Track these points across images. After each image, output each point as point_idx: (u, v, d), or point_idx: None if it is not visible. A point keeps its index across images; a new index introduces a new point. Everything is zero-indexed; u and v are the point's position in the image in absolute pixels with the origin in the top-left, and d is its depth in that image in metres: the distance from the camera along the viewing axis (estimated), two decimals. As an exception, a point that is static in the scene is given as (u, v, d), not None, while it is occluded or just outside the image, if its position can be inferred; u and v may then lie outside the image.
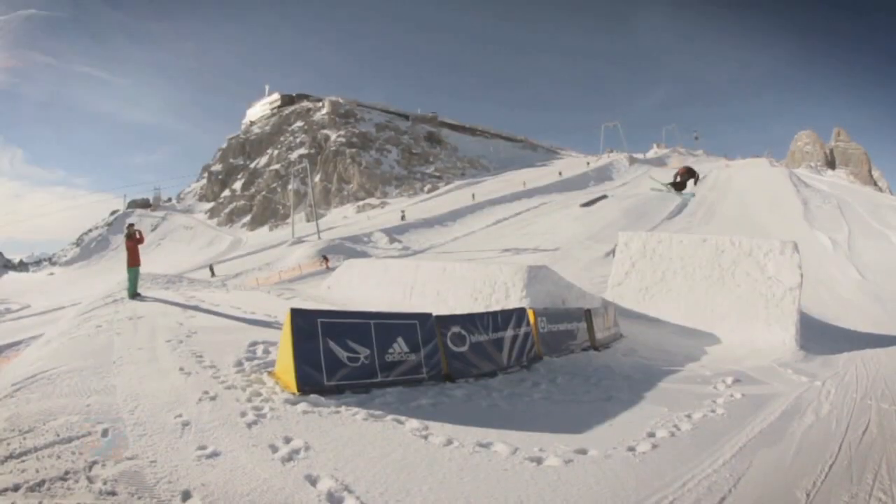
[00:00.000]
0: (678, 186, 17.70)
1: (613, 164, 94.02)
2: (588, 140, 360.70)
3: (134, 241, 14.64)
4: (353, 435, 5.68)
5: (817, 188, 77.94)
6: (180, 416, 6.12)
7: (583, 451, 5.89)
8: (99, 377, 7.50)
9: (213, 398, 6.54)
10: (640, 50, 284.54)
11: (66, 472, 5.36)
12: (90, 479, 5.20)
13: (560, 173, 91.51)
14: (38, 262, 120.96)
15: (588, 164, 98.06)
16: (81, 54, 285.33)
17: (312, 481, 4.65)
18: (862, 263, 41.34)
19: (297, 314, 7.01)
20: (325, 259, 47.57)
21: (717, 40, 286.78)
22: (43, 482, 5.31)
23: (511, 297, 14.80)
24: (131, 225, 15.48)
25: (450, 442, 5.78)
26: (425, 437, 5.86)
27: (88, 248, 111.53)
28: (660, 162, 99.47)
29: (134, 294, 13.89)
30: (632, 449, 6.15)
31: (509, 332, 9.84)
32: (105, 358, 8.35)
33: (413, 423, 6.17)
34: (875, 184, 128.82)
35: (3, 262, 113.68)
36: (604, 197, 69.42)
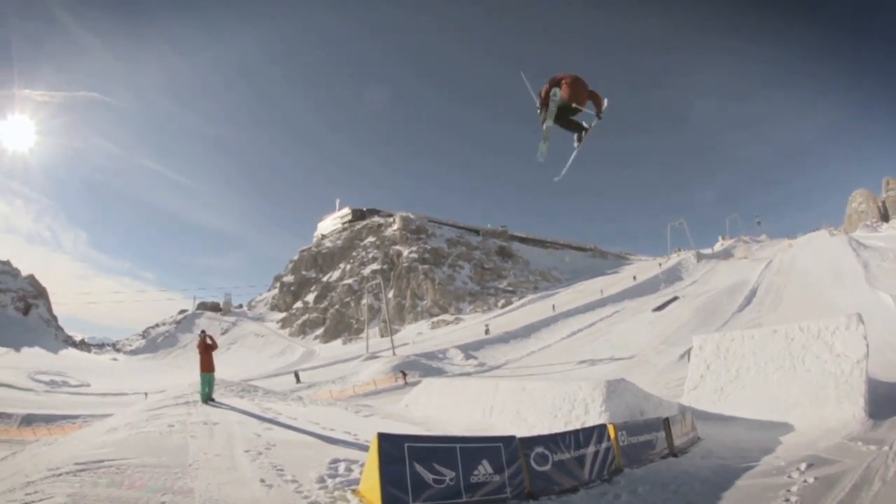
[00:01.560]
0: (571, 125, 10.02)
1: (682, 264, 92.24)
2: (654, 243, 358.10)
3: (207, 346, 14.84)
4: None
5: (875, 246, 74.91)
6: None
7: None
8: (175, 477, 7.50)
9: None
10: (695, 145, 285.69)
11: None
12: None
13: (634, 278, 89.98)
14: (101, 346, 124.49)
15: (660, 265, 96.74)
16: (146, 147, 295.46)
17: None
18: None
19: (384, 439, 7.13)
20: (404, 374, 47.31)
21: (765, 119, 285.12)
22: None
23: (591, 412, 14.46)
24: (204, 332, 15.80)
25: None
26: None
27: (155, 342, 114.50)
28: (726, 254, 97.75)
29: (207, 399, 13.96)
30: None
31: (591, 449, 9.78)
32: (180, 459, 8.39)
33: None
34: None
35: (63, 337, 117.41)
36: (675, 299, 67.59)
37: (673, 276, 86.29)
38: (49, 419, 44.64)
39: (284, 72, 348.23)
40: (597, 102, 9.35)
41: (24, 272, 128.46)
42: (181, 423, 10.94)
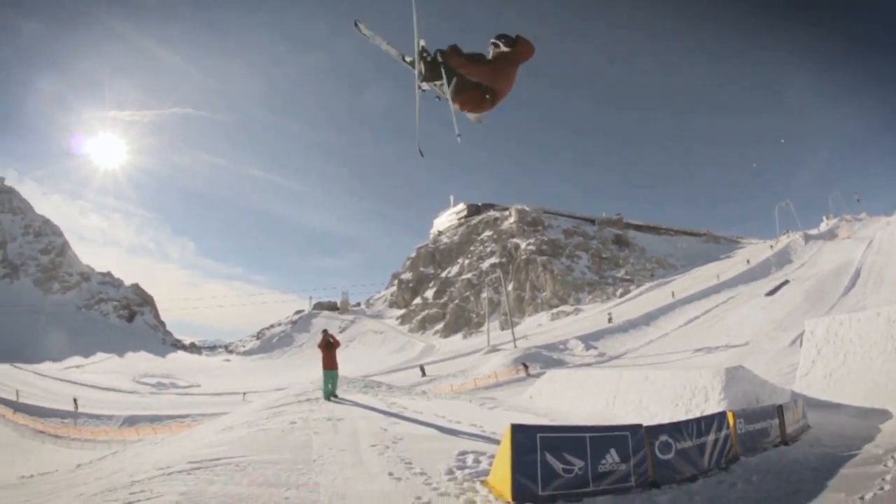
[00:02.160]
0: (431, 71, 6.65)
1: (791, 246, 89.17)
2: (761, 226, 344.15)
3: (328, 344, 15.16)
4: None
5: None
6: None
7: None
8: (298, 473, 7.58)
9: None
10: (792, 123, 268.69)
11: None
12: None
13: (748, 261, 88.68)
14: (212, 348, 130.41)
15: (771, 247, 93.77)
16: (249, 156, 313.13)
17: None
18: None
19: (517, 430, 7.17)
20: (525, 367, 47.65)
21: (857, 91, 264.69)
22: None
23: (710, 400, 14.32)
24: (326, 331, 16.05)
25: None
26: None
27: (270, 342, 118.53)
28: (831, 235, 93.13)
29: (330, 396, 14.26)
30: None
31: (711, 437, 9.74)
32: (303, 455, 8.49)
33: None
34: None
35: (172, 341, 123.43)
36: (786, 282, 66.47)
37: (783, 258, 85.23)
38: (154, 419, 46.57)
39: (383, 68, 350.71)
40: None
41: (129, 282, 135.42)
42: (303, 420, 11.06)
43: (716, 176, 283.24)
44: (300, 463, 8.06)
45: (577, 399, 17.82)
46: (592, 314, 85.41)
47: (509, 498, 6.64)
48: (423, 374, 57.25)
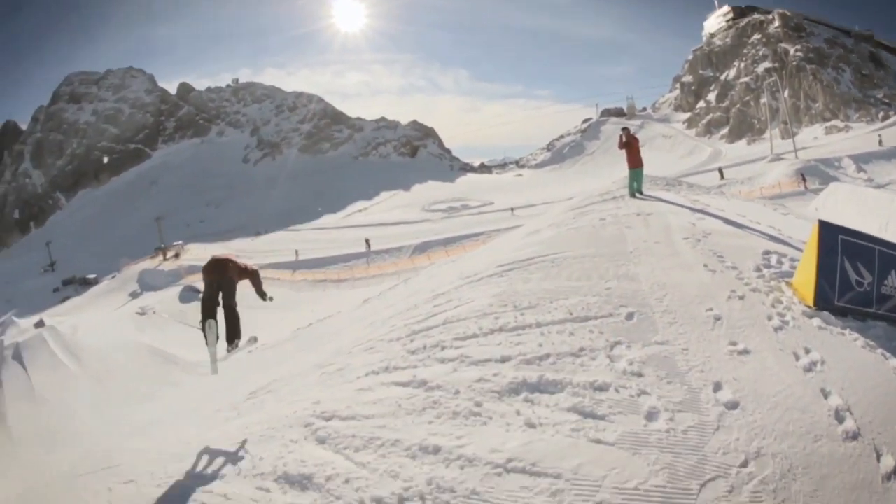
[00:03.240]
0: None
1: None
2: None
3: (633, 143, 14.79)
4: (853, 359, 5.20)
5: None
6: (711, 309, 6.09)
7: None
8: (616, 265, 7.68)
9: (741, 298, 6.37)
10: None
11: (581, 349, 5.62)
12: (611, 358, 5.38)
13: None
14: (502, 165, 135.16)
15: None
16: None
17: (825, 395, 4.54)
18: None
19: (824, 227, 6.53)
20: (803, 179, 47.84)
21: None
22: (547, 356, 5.70)
23: None
24: (627, 128, 15.55)
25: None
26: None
27: (560, 153, 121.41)
28: None
29: (634, 193, 14.09)
30: None
31: None
32: (619, 248, 8.50)
33: (894, 361, 5.30)
34: None
35: (459, 165, 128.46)
36: None
37: None
38: (447, 242, 49.02)
39: None
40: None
41: (405, 121, 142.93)
42: (613, 217, 10.89)
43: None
44: (617, 255, 8.08)
45: (856, 217, 17.22)
46: (862, 133, 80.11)
47: (810, 302, 6.32)
48: (722, 176, 58.09)
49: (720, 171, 59.65)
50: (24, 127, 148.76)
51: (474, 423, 5.03)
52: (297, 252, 57.37)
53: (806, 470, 3.87)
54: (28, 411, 27.31)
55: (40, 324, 36.10)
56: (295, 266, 52.47)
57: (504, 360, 5.86)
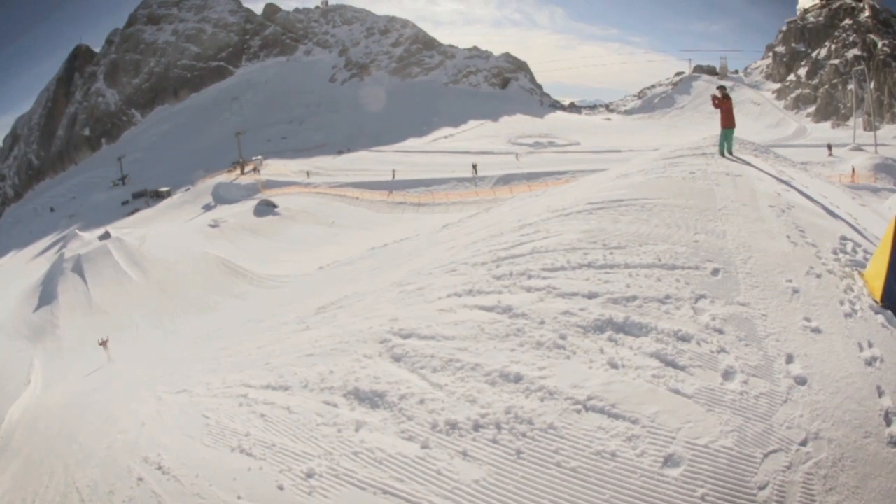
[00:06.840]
0: None
1: None
2: None
3: (728, 103, 14.54)
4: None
5: None
6: (790, 281, 6.20)
7: None
8: (705, 218, 7.78)
9: (818, 276, 6.41)
10: None
11: (667, 297, 5.72)
12: (695, 311, 5.46)
13: None
14: (592, 107, 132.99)
15: None
16: None
17: (879, 393, 4.49)
18: None
19: None
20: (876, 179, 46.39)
21: None
22: (634, 297, 5.89)
23: None
24: (723, 87, 15.27)
25: None
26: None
27: (651, 102, 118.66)
28: None
29: (724, 153, 13.93)
30: None
31: None
32: (709, 203, 8.55)
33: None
34: None
35: (549, 102, 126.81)
36: None
37: None
38: (530, 176, 48.61)
39: None
40: None
41: (497, 52, 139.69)
42: (702, 172, 10.82)
43: None
44: (706, 210, 8.16)
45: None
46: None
47: (878, 298, 6.19)
48: (830, 153, 57.48)
49: (829, 146, 58.80)
50: (97, 51, 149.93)
51: (557, 356, 5.23)
52: (394, 172, 58.22)
53: (853, 464, 3.89)
54: (82, 322, 28.71)
55: (105, 235, 37.88)
56: (391, 186, 53.20)
57: (591, 296, 6.05)
